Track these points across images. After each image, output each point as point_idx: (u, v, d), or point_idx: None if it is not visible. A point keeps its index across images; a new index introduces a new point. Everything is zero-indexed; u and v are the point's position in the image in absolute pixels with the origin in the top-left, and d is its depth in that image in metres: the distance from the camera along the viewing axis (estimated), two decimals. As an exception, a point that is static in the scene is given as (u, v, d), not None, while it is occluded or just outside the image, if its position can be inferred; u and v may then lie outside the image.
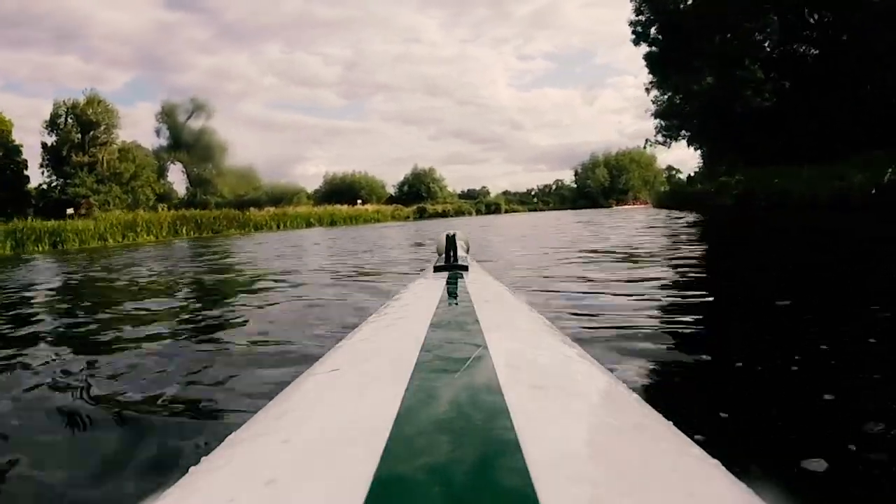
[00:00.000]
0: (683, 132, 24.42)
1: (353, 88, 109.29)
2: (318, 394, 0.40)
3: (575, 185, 64.37)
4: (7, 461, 1.19)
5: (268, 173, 47.04)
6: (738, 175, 15.22)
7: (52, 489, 1.09)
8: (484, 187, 65.83)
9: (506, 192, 64.65)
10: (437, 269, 1.10)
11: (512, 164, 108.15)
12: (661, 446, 0.30)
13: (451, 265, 1.11)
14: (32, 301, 4.02)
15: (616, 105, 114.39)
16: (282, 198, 38.42)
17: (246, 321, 2.55)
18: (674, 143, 25.46)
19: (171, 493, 0.27)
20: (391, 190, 53.26)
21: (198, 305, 3.29)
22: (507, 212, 49.18)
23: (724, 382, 1.45)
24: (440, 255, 1.53)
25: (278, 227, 25.39)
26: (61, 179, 34.28)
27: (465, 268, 1.09)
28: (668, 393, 1.40)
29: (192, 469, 0.29)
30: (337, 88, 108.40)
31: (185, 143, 42.32)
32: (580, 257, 4.66)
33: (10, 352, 2.16)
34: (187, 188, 42.38)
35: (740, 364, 1.55)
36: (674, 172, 65.01)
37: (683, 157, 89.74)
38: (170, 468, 1.10)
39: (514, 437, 0.26)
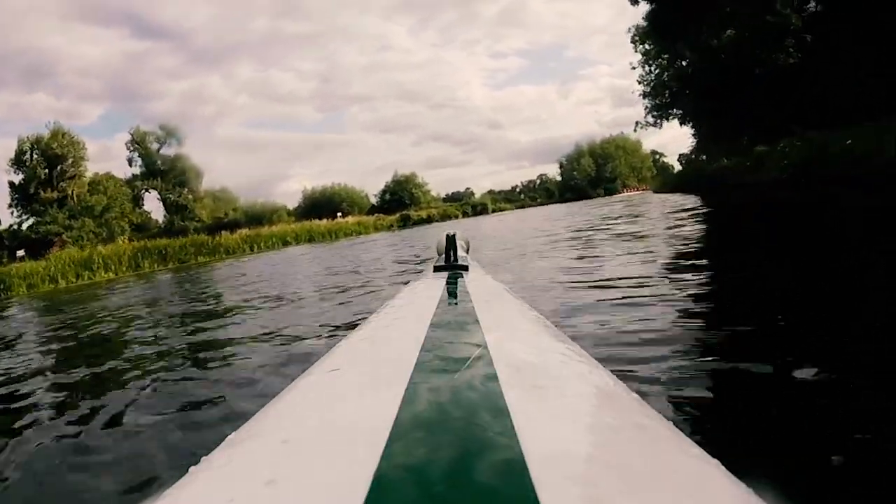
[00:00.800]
0: (675, 110, 22.51)
1: (330, 101, 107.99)
2: (318, 394, 0.40)
3: (560, 178, 63.59)
4: (12, 464, 1.39)
5: (250, 194, 45.89)
6: (796, 140, 11.63)
7: (57, 491, 1.20)
8: (468, 188, 65.29)
9: (491, 192, 63.96)
10: (437, 269, 1.10)
11: (494, 164, 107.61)
12: (661, 446, 0.30)
13: (451, 265, 1.10)
14: None
15: (591, 96, 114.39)
16: (261, 217, 37.22)
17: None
18: (665, 124, 23.63)
19: (171, 493, 0.26)
20: (375, 200, 52.25)
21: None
22: (494, 211, 48.37)
23: (724, 382, 1.45)
24: (440, 255, 1.49)
25: (252, 249, 23.01)
26: (33, 218, 33.12)
27: (465, 268, 1.09)
28: (668, 393, 1.39)
29: (192, 469, 0.29)
30: (313, 103, 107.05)
31: (159, 169, 41.15)
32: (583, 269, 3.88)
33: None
34: (164, 215, 41.19)
35: (740, 364, 1.53)
36: (657, 157, 64.77)
37: (664, 142, 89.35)
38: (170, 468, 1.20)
39: (514, 437, 0.26)
